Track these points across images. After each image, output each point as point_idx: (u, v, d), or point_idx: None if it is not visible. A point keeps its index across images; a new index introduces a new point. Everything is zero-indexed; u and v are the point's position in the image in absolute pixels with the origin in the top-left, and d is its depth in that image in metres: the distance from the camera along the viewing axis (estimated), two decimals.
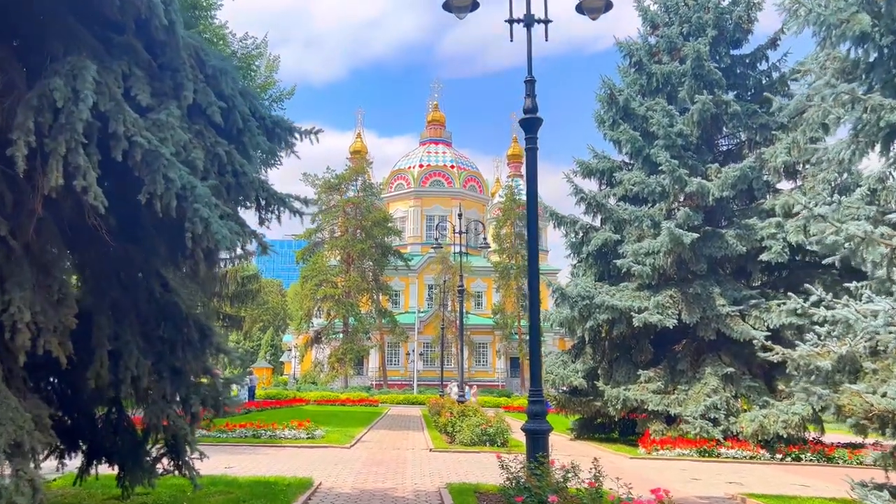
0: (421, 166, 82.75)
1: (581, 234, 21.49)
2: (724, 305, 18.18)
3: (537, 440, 9.18)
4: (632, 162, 21.79)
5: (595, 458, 8.20)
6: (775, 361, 10.07)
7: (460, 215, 27.71)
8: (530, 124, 9.91)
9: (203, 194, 5.73)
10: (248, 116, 7.36)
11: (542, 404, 9.43)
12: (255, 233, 6.68)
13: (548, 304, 71.57)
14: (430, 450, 16.13)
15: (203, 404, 7.09)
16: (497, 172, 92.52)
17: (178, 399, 7.02)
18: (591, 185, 22.02)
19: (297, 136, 8.01)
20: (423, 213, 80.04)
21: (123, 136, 5.45)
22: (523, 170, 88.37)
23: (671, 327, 18.18)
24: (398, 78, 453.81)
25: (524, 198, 48.29)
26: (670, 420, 18.73)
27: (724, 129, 21.18)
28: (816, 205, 8.15)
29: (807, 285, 9.01)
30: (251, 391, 38.96)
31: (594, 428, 22.10)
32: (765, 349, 10.52)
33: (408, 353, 66.63)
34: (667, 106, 19.58)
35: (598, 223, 21.64)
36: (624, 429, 22.40)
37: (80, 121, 5.06)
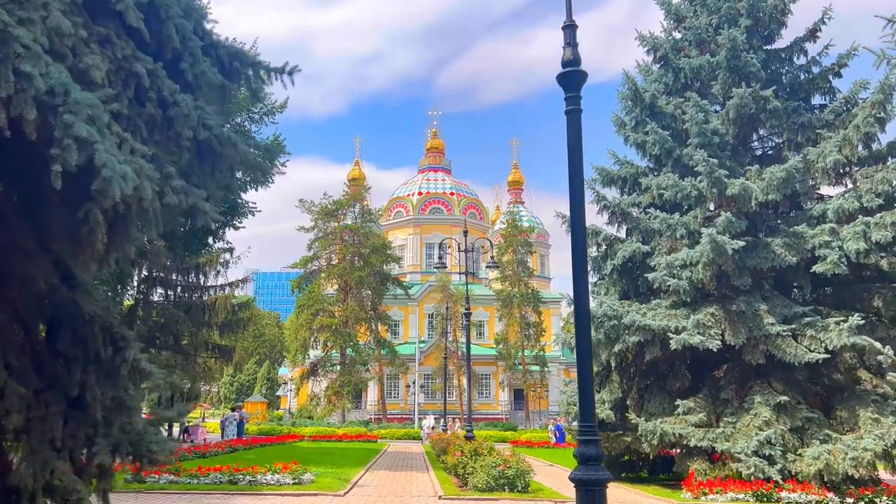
0: (420, 194, 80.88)
1: (604, 247, 19.18)
2: (772, 324, 15.83)
3: (592, 494, 6.83)
4: (657, 167, 19.64)
5: None
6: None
7: (465, 232, 25.48)
8: (571, 79, 7.72)
9: (82, 102, 3.48)
10: (191, 36, 5.13)
11: (595, 445, 7.08)
12: (187, 187, 4.41)
13: (551, 334, 69.41)
14: (440, 497, 13.60)
15: (116, 452, 4.74)
16: (497, 200, 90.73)
17: (77, 444, 4.68)
18: (612, 195, 19.79)
19: (263, 74, 5.78)
20: (423, 241, 77.93)
21: None
22: (524, 196, 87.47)
23: (714, 350, 15.80)
24: (397, 112, 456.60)
25: (526, 224, 46.34)
26: (713, 457, 16.28)
27: (761, 129, 19.04)
28: None
29: None
30: (240, 427, 36.29)
31: (620, 466, 19.54)
32: None
33: (408, 386, 63.87)
34: (700, 101, 17.45)
35: (623, 234, 19.38)
36: (653, 467, 19.92)
37: None
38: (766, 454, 14.78)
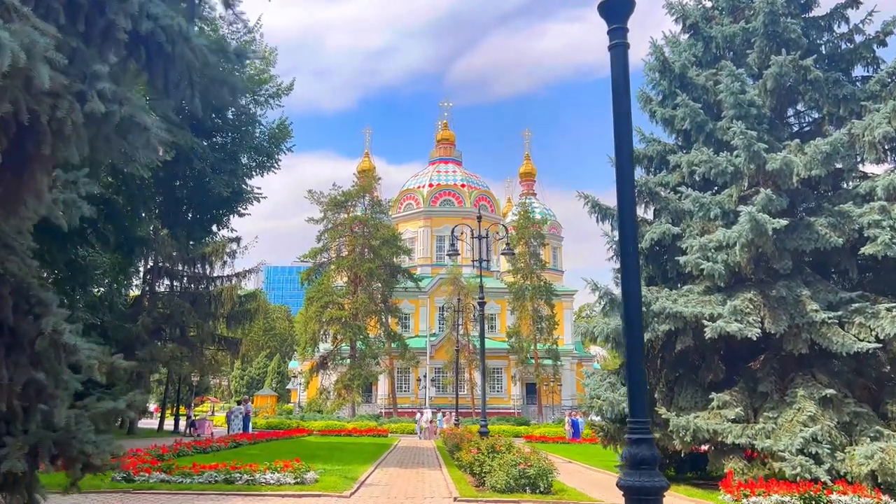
0: (431, 185, 79.70)
1: None
2: (816, 311, 14.51)
3: None
4: (685, 144, 18.32)
5: None
6: None
7: (479, 217, 24.24)
8: (615, 9, 6.40)
9: None
10: None
11: (649, 445, 5.83)
12: (120, 92, 3.21)
13: (564, 327, 68.12)
14: (455, 499, 12.40)
15: (34, 455, 3.56)
16: (508, 193, 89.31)
17: None
18: (637, 174, 18.48)
19: None
20: (433, 234, 76.83)
21: None
22: (536, 188, 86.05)
23: (754, 338, 14.50)
24: (407, 106, 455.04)
25: (538, 216, 44.97)
26: (748, 455, 15.00)
27: (800, 102, 17.67)
28: None
29: None
30: (246, 421, 35.29)
31: None
32: None
33: (419, 379, 62.82)
34: (735, 70, 16.11)
35: (650, 216, 18.09)
36: (680, 465, 18.66)
37: None
38: (813, 452, 13.48)
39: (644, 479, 5.63)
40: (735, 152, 15.50)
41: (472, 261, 26.86)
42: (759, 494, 12.79)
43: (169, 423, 45.10)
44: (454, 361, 53.29)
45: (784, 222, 14.39)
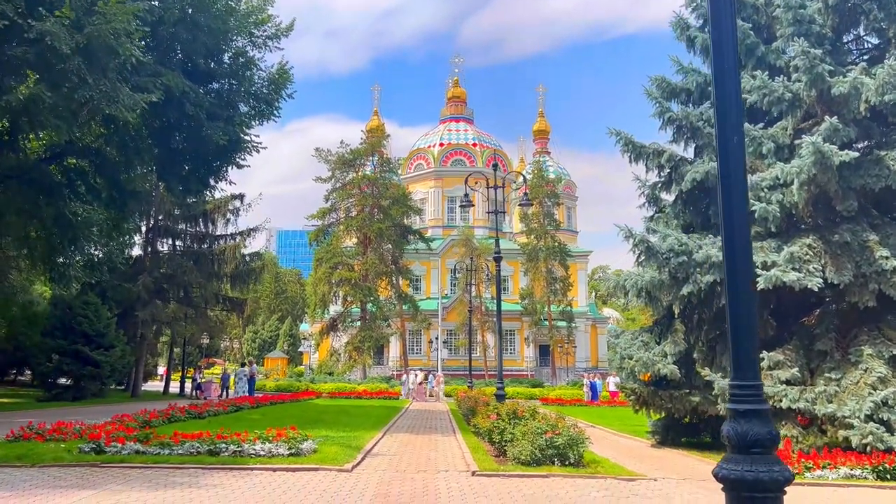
0: (441, 145, 77.45)
1: (668, 171, 15.86)
2: (887, 258, 12.59)
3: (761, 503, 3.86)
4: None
5: None
6: None
7: (496, 165, 22.28)
8: None
9: None
10: None
11: (763, 420, 4.05)
12: None
13: (578, 289, 66.43)
14: (474, 473, 10.72)
15: None
16: (521, 152, 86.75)
17: None
18: (677, 108, 16.42)
19: None
20: (444, 195, 74.84)
21: None
22: (550, 146, 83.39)
23: (815, 289, 12.61)
24: (419, 67, 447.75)
25: (552, 175, 42.84)
26: (800, 421, 13.25)
27: (862, 24, 15.47)
28: None
29: None
30: (251, 383, 33.98)
31: (681, 430, 16.69)
32: None
33: (430, 341, 61.55)
34: None
35: (690, 154, 16.10)
36: (717, 431, 16.95)
37: None
38: (884, 419, 11.72)
39: (759, 469, 3.86)
40: (794, 76, 13.43)
41: (488, 211, 25.02)
42: (825, 467, 11.07)
43: (176, 387, 44.04)
44: (466, 323, 51.88)
45: (854, 154, 12.40)
